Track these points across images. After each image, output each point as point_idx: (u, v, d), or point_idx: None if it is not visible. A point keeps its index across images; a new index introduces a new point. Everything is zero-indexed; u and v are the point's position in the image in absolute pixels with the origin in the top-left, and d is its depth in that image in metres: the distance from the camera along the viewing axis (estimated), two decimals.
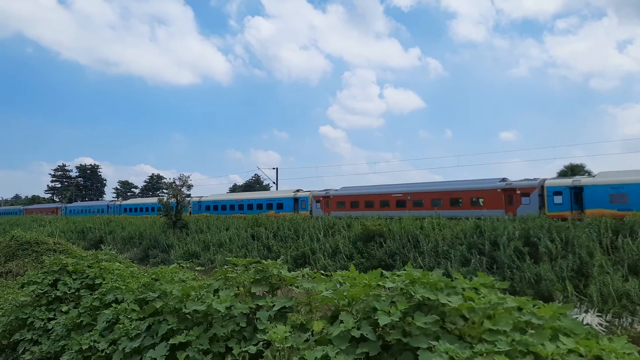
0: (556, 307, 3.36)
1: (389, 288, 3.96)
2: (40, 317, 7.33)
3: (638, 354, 2.65)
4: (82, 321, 6.52)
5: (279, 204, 43.10)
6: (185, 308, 4.83)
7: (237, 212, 45.60)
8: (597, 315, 16.79)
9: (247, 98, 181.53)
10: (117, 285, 7.00)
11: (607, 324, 16.29)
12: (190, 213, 48.82)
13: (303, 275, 4.95)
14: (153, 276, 7.09)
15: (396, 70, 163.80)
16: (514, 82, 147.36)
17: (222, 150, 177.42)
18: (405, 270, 4.24)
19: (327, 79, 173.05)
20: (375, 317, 3.48)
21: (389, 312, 3.46)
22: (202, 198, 50.84)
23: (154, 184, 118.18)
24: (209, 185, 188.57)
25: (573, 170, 52.62)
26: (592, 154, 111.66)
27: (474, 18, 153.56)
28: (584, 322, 15.80)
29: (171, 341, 4.46)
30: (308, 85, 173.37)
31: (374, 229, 25.96)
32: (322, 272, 5.16)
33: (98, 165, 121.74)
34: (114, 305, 6.30)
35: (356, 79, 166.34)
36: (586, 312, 17.12)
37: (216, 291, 5.08)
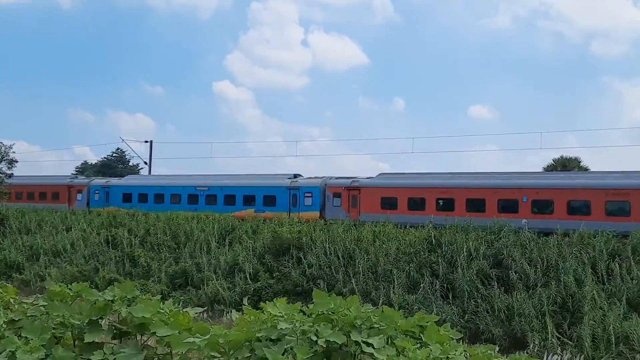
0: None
1: (282, 329, 4.05)
2: None
3: None
4: None
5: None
6: None
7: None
8: None
9: (100, 31, 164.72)
10: None
11: None
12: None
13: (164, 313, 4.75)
14: None
15: (328, 5, 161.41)
16: (491, 36, 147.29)
17: (62, 108, 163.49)
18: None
19: (225, 12, 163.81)
20: None
21: None
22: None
23: None
24: (44, 161, 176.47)
25: (565, 165, 54.54)
26: (590, 144, 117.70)
27: None
28: None
29: None
30: (196, 18, 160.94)
31: (289, 237, 26.16)
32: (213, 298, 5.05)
33: None
34: None
35: (269, 14, 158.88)
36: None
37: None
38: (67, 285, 5.53)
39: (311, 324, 3.96)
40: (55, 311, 4.86)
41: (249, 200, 40.14)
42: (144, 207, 41.73)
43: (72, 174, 60.39)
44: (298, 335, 3.90)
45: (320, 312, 3.98)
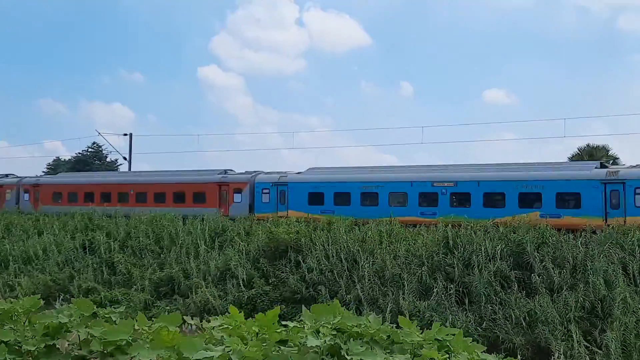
0: None
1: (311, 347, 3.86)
2: None
3: None
4: None
5: None
6: None
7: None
8: None
9: (72, 13, 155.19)
10: None
11: None
12: None
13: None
14: None
15: None
16: (508, 11, 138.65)
17: (31, 99, 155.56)
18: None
19: None
20: None
21: None
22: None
23: None
24: (15, 158, 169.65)
25: (592, 155, 52.51)
26: (620, 131, 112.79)
27: None
28: None
29: None
30: None
31: (287, 239, 25.39)
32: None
33: None
34: None
35: None
36: None
37: None
38: (18, 300, 5.04)
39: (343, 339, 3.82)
40: (3, 337, 4.41)
41: (529, 200, 30.47)
42: (346, 211, 32.38)
43: (222, 169, 43.96)
44: (324, 351, 3.74)
45: (347, 327, 3.97)
